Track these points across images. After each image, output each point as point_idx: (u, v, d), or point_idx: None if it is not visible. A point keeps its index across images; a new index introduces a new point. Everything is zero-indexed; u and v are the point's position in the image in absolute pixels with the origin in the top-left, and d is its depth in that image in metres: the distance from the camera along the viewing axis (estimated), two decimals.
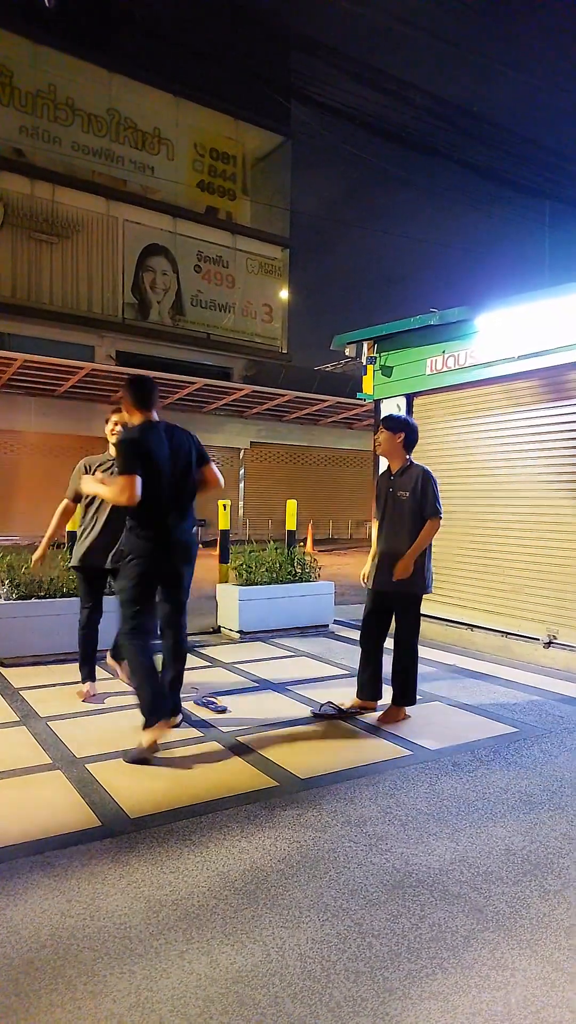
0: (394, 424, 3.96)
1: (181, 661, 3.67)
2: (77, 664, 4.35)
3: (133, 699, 4.14)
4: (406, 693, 3.89)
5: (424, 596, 3.95)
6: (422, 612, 4.08)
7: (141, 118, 21.84)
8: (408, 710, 3.92)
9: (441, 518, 3.80)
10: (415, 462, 3.94)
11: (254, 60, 20.59)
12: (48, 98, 20.30)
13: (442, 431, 6.27)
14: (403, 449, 3.93)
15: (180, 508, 3.45)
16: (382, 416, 6.72)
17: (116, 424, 4.14)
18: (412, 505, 3.80)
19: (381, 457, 4.20)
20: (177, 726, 3.68)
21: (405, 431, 3.93)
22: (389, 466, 4.00)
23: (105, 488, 3.47)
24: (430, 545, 3.89)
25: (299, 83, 19.07)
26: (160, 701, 3.33)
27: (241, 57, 20.19)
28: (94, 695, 4.26)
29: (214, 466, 3.60)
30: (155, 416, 3.47)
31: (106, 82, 21.10)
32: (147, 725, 3.26)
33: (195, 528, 3.62)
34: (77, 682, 4.35)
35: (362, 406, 18.22)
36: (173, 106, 22.37)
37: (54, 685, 4.51)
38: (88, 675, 4.29)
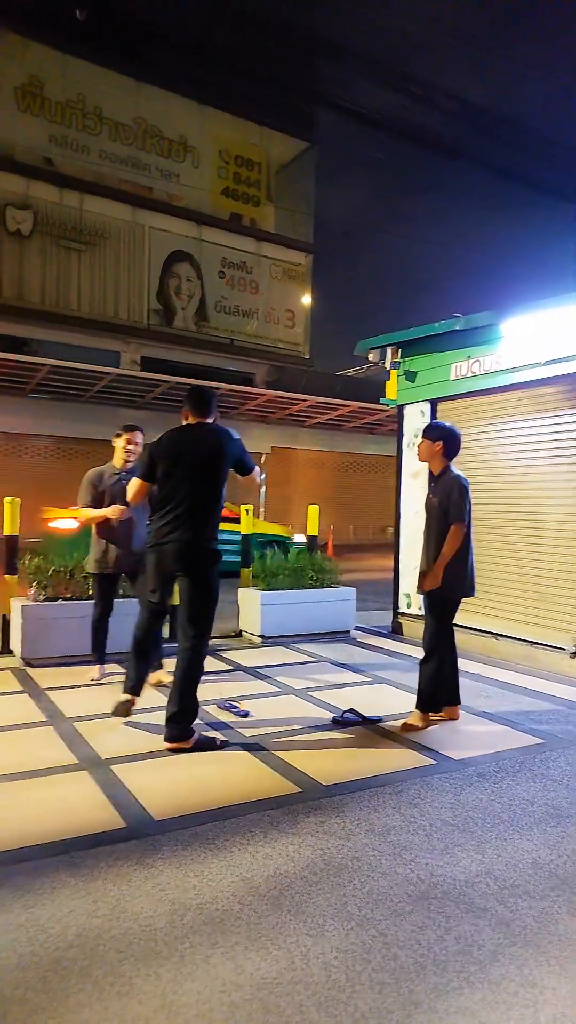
0: (433, 432, 4.02)
1: (179, 669, 3.44)
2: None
3: (155, 702, 4.19)
4: (420, 697, 3.88)
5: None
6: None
7: (167, 126, 22.08)
8: (431, 718, 3.90)
9: (464, 524, 3.78)
10: (452, 469, 3.95)
11: (278, 67, 20.70)
12: (77, 108, 20.65)
13: (466, 437, 6.16)
14: (443, 456, 3.97)
15: (184, 512, 3.41)
16: (406, 422, 6.73)
17: (128, 443, 4.52)
18: (440, 512, 3.83)
19: (422, 463, 4.26)
20: (182, 743, 3.42)
21: (443, 439, 3.96)
22: (431, 473, 4.07)
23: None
24: (470, 548, 3.89)
25: (323, 89, 19.12)
26: (128, 666, 3.78)
27: (265, 64, 20.32)
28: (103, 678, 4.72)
29: (254, 472, 3.66)
30: (195, 420, 3.62)
31: (133, 91, 21.40)
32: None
33: (192, 535, 3.40)
34: (100, 683, 4.69)
35: (384, 411, 18.15)
36: (198, 114, 22.59)
37: (80, 686, 4.56)
38: (99, 659, 4.74)
